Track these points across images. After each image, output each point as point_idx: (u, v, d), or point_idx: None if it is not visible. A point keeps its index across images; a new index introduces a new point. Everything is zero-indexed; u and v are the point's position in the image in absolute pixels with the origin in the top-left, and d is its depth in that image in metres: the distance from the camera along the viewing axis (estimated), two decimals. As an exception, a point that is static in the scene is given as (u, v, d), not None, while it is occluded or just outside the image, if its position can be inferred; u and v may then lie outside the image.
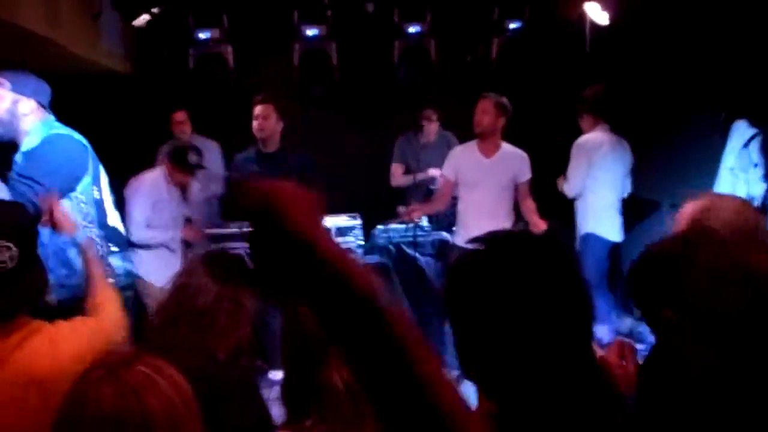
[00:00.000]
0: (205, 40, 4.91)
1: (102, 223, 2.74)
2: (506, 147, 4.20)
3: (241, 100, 5.49)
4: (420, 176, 4.95)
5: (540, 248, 1.01)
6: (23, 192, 2.39)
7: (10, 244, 1.59)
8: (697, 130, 4.23)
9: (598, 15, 4.36)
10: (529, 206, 4.22)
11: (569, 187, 4.28)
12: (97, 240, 2.67)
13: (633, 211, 4.80)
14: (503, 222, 4.08)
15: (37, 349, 1.60)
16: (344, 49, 5.17)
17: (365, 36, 5.36)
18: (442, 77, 5.36)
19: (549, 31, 5.25)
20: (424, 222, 5.18)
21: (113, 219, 2.86)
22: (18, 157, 2.58)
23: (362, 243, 5.35)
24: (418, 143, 5.28)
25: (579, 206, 4.39)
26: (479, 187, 4.12)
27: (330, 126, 5.49)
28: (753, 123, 3.32)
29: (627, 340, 4.41)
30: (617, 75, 4.87)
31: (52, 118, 2.69)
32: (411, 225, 4.99)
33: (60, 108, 4.52)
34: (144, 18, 4.31)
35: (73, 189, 2.60)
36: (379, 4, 5.19)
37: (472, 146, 4.24)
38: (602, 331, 4.21)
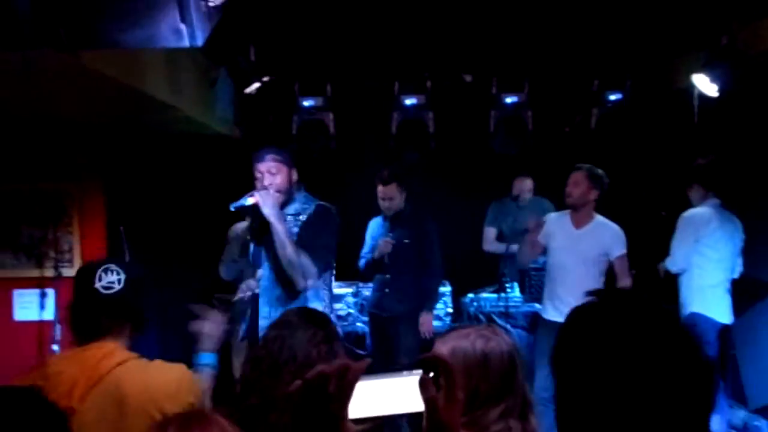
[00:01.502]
0: (309, 108, 5.15)
1: (331, 286, 3.30)
2: (599, 219, 4.10)
3: (340, 165, 5.69)
4: (513, 248, 4.87)
5: (657, 310, 0.94)
6: (317, 254, 2.95)
7: (120, 269, 1.78)
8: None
9: (706, 87, 4.23)
10: (625, 285, 4.04)
11: (672, 261, 4.07)
12: (327, 301, 3.14)
13: (745, 292, 4.48)
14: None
15: (132, 372, 1.71)
16: (441, 118, 5.27)
17: (462, 105, 5.44)
18: (539, 147, 5.33)
19: (651, 102, 5.13)
20: (517, 292, 5.06)
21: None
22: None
23: (450, 311, 5.28)
24: (514, 207, 5.23)
25: (684, 284, 4.16)
26: (567, 258, 4.02)
27: (423, 192, 5.53)
28: None
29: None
30: (726, 148, 4.66)
31: (302, 185, 3.25)
32: (503, 295, 4.88)
33: (175, 167, 4.86)
34: (255, 86, 4.58)
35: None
36: (477, 75, 5.28)
37: (565, 215, 4.17)
38: (714, 422, 3.86)
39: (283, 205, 3.06)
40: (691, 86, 4.36)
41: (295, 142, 5.08)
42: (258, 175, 3.08)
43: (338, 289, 5.13)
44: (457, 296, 5.24)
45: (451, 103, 5.35)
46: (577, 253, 4.02)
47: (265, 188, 3.01)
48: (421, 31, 4.60)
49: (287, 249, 2.90)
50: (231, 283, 4.43)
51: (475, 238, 5.42)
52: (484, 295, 5.11)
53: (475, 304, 5.08)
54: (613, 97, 5.13)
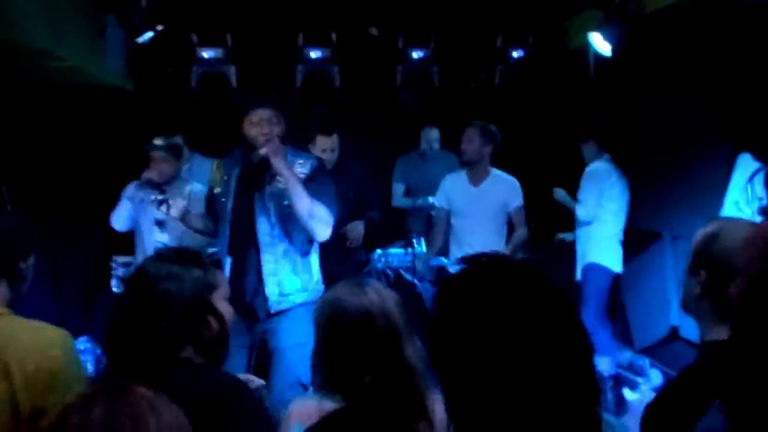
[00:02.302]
0: (209, 59, 4.92)
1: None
2: (495, 174, 4.20)
3: (242, 120, 5.49)
4: (419, 202, 4.93)
5: (529, 275, 0.95)
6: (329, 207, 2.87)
7: None
8: (700, 162, 4.22)
9: (601, 45, 4.38)
10: (520, 235, 4.21)
11: (586, 211, 4.23)
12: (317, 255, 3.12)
13: (633, 242, 4.77)
14: (494, 248, 4.07)
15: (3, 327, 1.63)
16: (347, 72, 5.18)
17: (369, 59, 5.38)
18: (445, 102, 5.37)
19: (552, 59, 5.27)
20: (424, 247, 5.14)
21: None
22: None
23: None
24: (420, 162, 5.27)
25: (582, 235, 4.36)
26: (468, 216, 4.12)
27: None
28: (757, 157, 3.30)
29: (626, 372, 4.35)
30: (620, 105, 4.88)
31: None
32: (410, 250, 4.96)
33: (62, 120, 4.54)
34: (148, 35, 4.30)
35: None
36: (384, 29, 5.22)
37: (461, 174, 4.25)
38: (604, 364, 4.14)
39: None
40: (588, 45, 4.51)
41: (194, 95, 4.86)
42: (254, 121, 2.89)
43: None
44: (365, 252, 5.28)
45: (357, 57, 5.27)
46: (478, 209, 4.12)
47: (268, 138, 2.84)
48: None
49: (306, 199, 2.79)
50: (127, 243, 4.28)
51: (383, 194, 5.44)
52: (392, 250, 5.16)
53: (383, 260, 5.12)
54: (516, 54, 5.24)
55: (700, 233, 1.51)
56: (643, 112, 4.80)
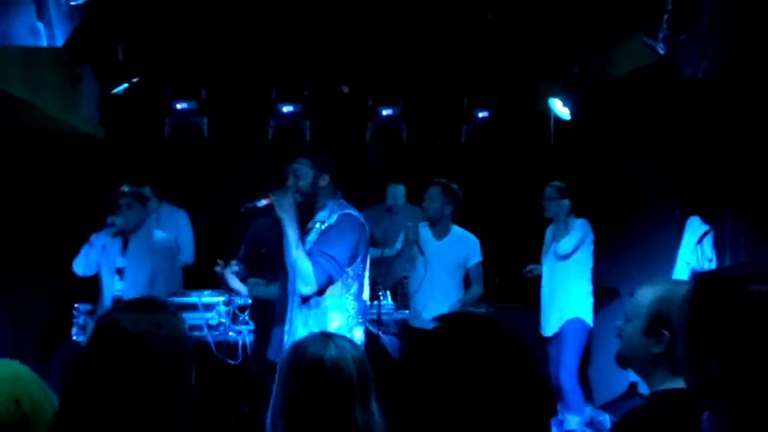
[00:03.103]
0: (182, 110, 5.00)
1: (359, 296, 3.04)
2: (456, 231, 4.32)
3: (214, 171, 5.57)
4: (386, 252, 5.00)
5: (492, 331, 1.00)
6: (320, 263, 2.80)
7: None
8: (655, 222, 4.41)
9: (560, 110, 4.61)
10: (475, 292, 4.32)
11: (572, 242, 4.28)
12: (352, 312, 2.97)
13: (595, 298, 4.90)
14: (452, 302, 4.18)
15: None
16: (318, 127, 5.32)
17: (339, 115, 5.53)
18: (413, 159, 5.52)
19: (515, 121, 5.51)
20: (389, 300, 5.19)
21: (366, 293, 3.16)
22: (312, 225, 2.96)
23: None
24: (386, 214, 5.37)
25: (560, 290, 4.39)
26: (430, 268, 4.21)
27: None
28: (705, 220, 3.49)
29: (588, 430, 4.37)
30: (579, 166, 5.09)
31: (338, 192, 3.04)
32: (375, 303, 4.99)
33: (34, 167, 4.54)
34: (122, 87, 4.38)
35: (350, 265, 2.94)
36: (354, 87, 5.40)
37: (425, 228, 4.36)
38: (574, 423, 4.19)
39: (310, 211, 2.98)
40: (549, 109, 4.73)
41: (167, 146, 4.92)
42: (287, 172, 3.01)
43: (209, 297, 5.01)
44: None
45: (328, 113, 5.42)
46: (439, 263, 4.21)
47: (282, 189, 2.92)
48: (300, 39, 4.63)
49: (291, 253, 2.85)
50: (89, 291, 4.24)
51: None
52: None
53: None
54: (481, 115, 5.45)
55: (651, 294, 1.56)
56: (600, 173, 5.01)
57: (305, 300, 2.91)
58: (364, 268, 3.05)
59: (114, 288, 3.88)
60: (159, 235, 4.12)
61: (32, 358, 4.44)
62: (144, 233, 3.97)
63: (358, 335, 3.03)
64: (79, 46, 3.77)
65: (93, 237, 3.91)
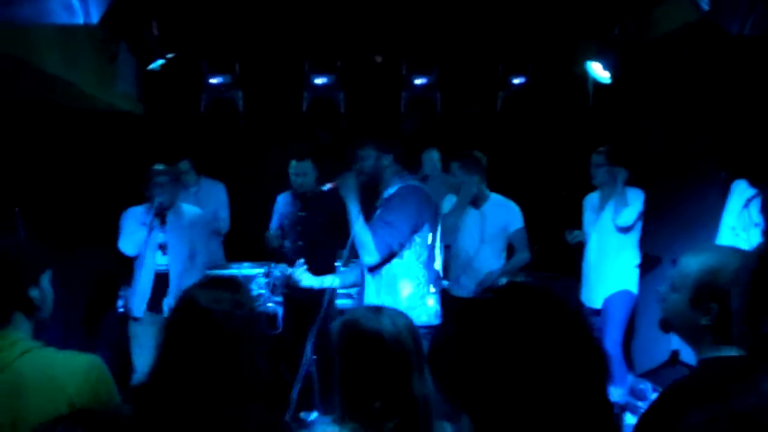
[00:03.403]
0: (217, 86, 5.04)
1: (429, 265, 3.08)
2: (494, 197, 4.28)
3: (249, 144, 5.62)
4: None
5: (549, 300, 1.00)
6: (378, 232, 2.92)
7: None
8: (698, 187, 4.28)
9: (600, 73, 4.47)
10: (520, 258, 4.27)
11: (632, 215, 4.14)
12: (422, 280, 3.04)
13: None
14: (492, 269, 4.18)
15: (37, 362, 1.61)
16: (352, 98, 5.29)
17: (373, 86, 5.49)
18: (447, 128, 5.46)
19: (552, 86, 5.38)
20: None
21: (438, 263, 3.19)
22: (379, 203, 3.11)
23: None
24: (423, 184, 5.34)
25: (611, 262, 4.28)
26: (469, 236, 4.19)
27: (336, 171, 5.57)
28: (752, 183, 3.36)
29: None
30: (620, 131, 4.96)
31: (405, 171, 3.18)
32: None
33: (72, 144, 4.65)
34: (159, 62, 4.42)
35: (415, 232, 3.01)
36: (388, 56, 5.34)
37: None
38: (617, 394, 4.16)
39: (375, 189, 3.13)
40: (587, 72, 4.60)
41: (203, 120, 4.97)
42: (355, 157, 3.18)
43: (249, 269, 5.10)
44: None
45: (361, 84, 5.38)
46: (479, 231, 4.18)
47: (349, 172, 3.11)
48: (332, 10, 4.59)
49: (353, 226, 2.99)
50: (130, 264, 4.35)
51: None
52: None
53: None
54: (516, 81, 5.33)
55: (697, 265, 1.53)
56: (641, 138, 4.88)
57: (373, 269, 3.02)
58: (434, 237, 3.10)
59: (156, 263, 3.98)
60: (191, 209, 4.21)
61: (81, 329, 4.62)
62: (178, 209, 4.07)
63: (431, 303, 3.07)
64: (115, 22, 3.82)
65: (135, 215, 3.97)
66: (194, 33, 4.76)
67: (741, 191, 3.44)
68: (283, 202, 4.59)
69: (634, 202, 4.14)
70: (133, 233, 3.90)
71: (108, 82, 4.27)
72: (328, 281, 3.33)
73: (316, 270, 4.38)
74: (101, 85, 4.15)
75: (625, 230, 4.20)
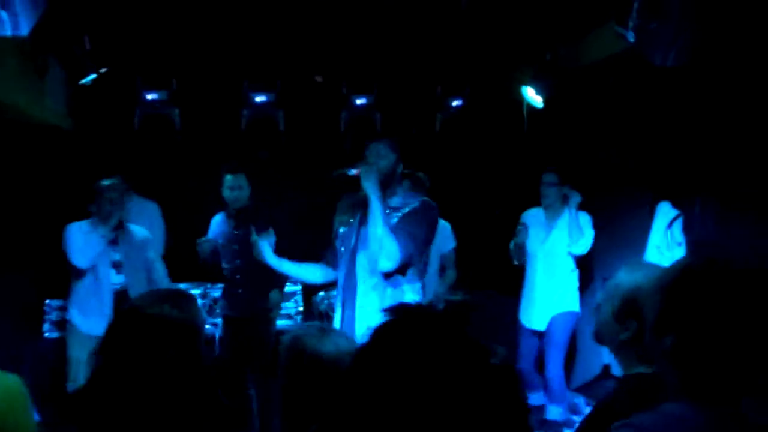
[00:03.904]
0: (152, 101, 4.92)
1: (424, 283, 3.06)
2: None
3: (185, 162, 5.49)
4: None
5: (449, 328, 0.93)
6: (402, 242, 2.80)
7: None
8: (626, 208, 4.48)
9: (533, 97, 4.64)
10: (449, 277, 4.36)
11: (588, 244, 4.19)
12: (419, 297, 2.99)
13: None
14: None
15: None
16: (292, 117, 5.28)
17: (313, 105, 5.49)
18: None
19: (489, 109, 5.53)
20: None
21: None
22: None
23: (301, 309, 5.31)
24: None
25: (557, 284, 4.29)
26: None
27: (275, 189, 5.51)
28: (675, 205, 3.55)
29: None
30: (552, 153, 5.14)
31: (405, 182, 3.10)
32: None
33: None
34: (90, 77, 4.28)
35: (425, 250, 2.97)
36: (328, 76, 5.36)
37: None
38: (557, 413, 4.24)
39: (384, 195, 2.95)
40: (522, 97, 4.77)
41: (137, 137, 4.84)
42: (366, 153, 3.03)
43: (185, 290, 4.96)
44: (308, 295, 5.29)
45: (301, 102, 5.37)
46: None
47: (368, 165, 2.94)
48: (272, 28, 4.58)
49: (378, 226, 2.82)
50: (59, 287, 4.17)
51: (324, 234, 5.48)
52: (334, 292, 5.19)
53: (326, 302, 5.14)
54: (455, 103, 5.46)
55: (626, 280, 1.58)
56: (573, 160, 5.07)
57: (386, 277, 2.88)
58: (427, 255, 3.10)
59: (111, 281, 3.89)
60: (138, 228, 4.12)
61: (2, 355, 4.36)
62: (127, 227, 4.00)
63: None
64: (44, 35, 3.68)
65: (75, 229, 3.86)
66: (129, 48, 4.64)
67: (665, 212, 3.63)
68: (216, 223, 4.49)
69: (587, 228, 4.16)
70: (87, 245, 3.79)
71: (36, 97, 4.10)
72: (286, 266, 3.21)
73: (257, 288, 4.32)
74: (29, 99, 3.98)
75: (578, 256, 4.25)
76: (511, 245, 4.35)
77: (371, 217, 2.85)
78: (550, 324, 4.28)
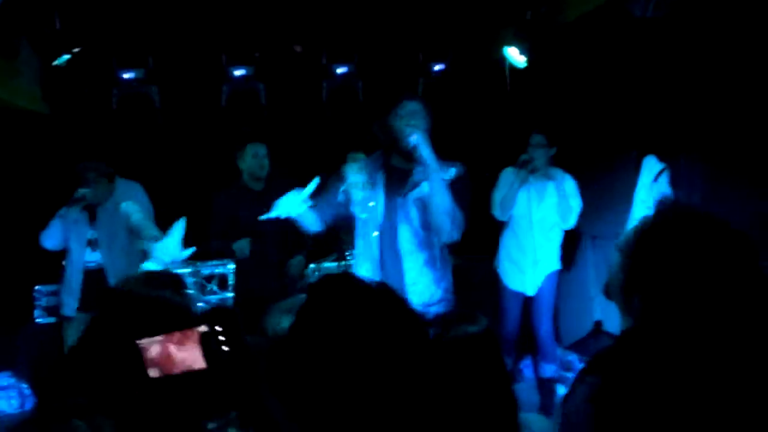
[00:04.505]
0: (129, 80, 4.83)
1: None
2: None
3: (167, 141, 5.42)
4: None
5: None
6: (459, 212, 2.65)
7: None
8: (612, 165, 4.47)
9: (516, 58, 4.59)
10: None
11: (575, 217, 4.17)
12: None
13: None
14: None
15: None
16: (273, 90, 5.21)
17: (293, 76, 5.42)
18: (370, 116, 5.46)
19: (472, 72, 5.48)
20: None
21: None
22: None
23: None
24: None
25: (547, 247, 4.26)
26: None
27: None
28: (661, 158, 3.55)
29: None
30: (537, 114, 5.11)
31: None
32: (343, 263, 5.00)
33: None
34: (64, 57, 4.20)
35: None
36: (307, 46, 5.28)
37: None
38: (550, 371, 4.28)
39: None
40: (504, 57, 4.71)
41: (116, 117, 4.76)
42: (402, 114, 2.80)
43: (175, 269, 4.94)
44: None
45: (281, 74, 5.30)
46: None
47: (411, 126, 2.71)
48: (247, 0, 4.49)
49: (447, 196, 2.64)
50: (48, 272, 4.15)
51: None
52: (326, 264, 5.19)
53: (316, 274, 5.14)
54: (437, 68, 5.40)
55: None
56: (558, 119, 5.05)
57: (438, 254, 2.76)
58: None
59: (85, 259, 3.91)
60: (126, 204, 4.07)
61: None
62: (111, 205, 3.97)
63: None
64: (13, 17, 3.59)
65: (63, 210, 3.91)
66: (102, 26, 4.54)
67: (651, 167, 3.62)
68: (225, 200, 4.24)
69: (575, 198, 4.10)
70: (52, 226, 3.88)
71: (8, 80, 4.02)
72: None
73: (276, 260, 4.15)
74: (2, 83, 3.90)
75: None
76: (499, 198, 4.23)
77: (435, 188, 2.65)
78: (542, 286, 4.26)
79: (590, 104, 4.59)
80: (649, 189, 3.55)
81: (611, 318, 4.38)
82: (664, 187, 3.47)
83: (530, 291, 4.26)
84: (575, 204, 4.10)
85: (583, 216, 4.77)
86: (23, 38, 4.02)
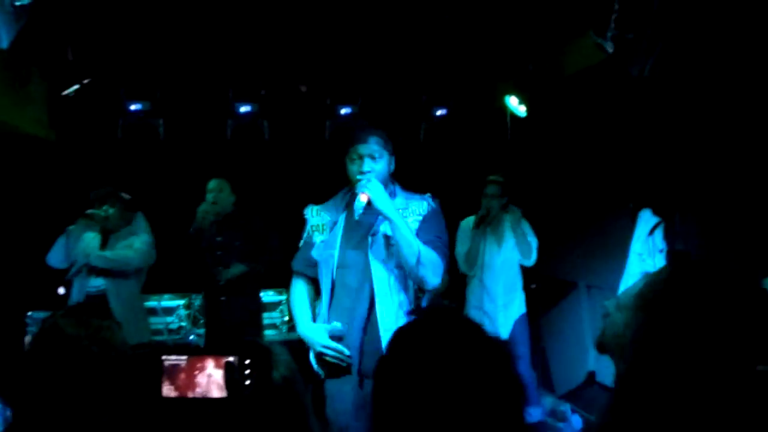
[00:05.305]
0: (136, 111, 4.91)
1: None
2: None
3: (170, 172, 5.47)
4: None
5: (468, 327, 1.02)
6: (438, 253, 2.49)
7: None
8: (609, 216, 4.51)
9: (516, 107, 4.68)
10: (444, 281, 4.33)
11: (535, 255, 4.33)
12: None
13: (551, 291, 5.00)
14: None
15: None
16: (277, 127, 5.28)
17: (298, 115, 5.50)
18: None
19: (473, 118, 5.57)
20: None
21: None
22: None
23: (287, 320, 5.29)
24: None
25: (517, 293, 4.40)
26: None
27: (262, 199, 5.50)
28: (656, 212, 3.59)
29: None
30: (536, 162, 5.18)
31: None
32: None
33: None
34: (73, 88, 4.28)
35: None
36: (312, 86, 5.37)
37: None
38: (537, 414, 4.28)
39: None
40: (505, 106, 4.80)
41: (121, 147, 4.82)
42: (354, 158, 2.54)
43: (169, 300, 4.94)
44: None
45: (286, 112, 5.38)
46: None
47: (365, 177, 2.49)
48: (256, 38, 4.59)
49: (413, 245, 2.42)
50: (43, 299, 4.13)
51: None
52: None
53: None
54: (439, 112, 5.49)
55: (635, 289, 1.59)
56: (557, 169, 5.11)
57: (412, 298, 2.55)
58: None
59: (89, 284, 3.88)
60: (142, 237, 4.08)
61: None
62: (125, 233, 3.99)
63: None
64: (26, 47, 3.67)
65: (71, 229, 3.91)
66: (112, 58, 4.63)
67: (646, 220, 3.66)
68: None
69: (531, 237, 4.30)
70: (64, 245, 3.86)
71: (18, 108, 4.08)
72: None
73: (240, 291, 4.24)
74: (11, 110, 3.97)
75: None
76: (462, 253, 4.35)
77: (398, 235, 2.44)
78: (513, 330, 4.33)
79: (588, 155, 4.66)
80: (645, 242, 3.58)
81: (605, 368, 4.37)
82: (659, 241, 3.50)
83: (501, 333, 4.31)
84: (533, 240, 4.29)
85: (579, 265, 4.80)
86: (35, 67, 4.11)
